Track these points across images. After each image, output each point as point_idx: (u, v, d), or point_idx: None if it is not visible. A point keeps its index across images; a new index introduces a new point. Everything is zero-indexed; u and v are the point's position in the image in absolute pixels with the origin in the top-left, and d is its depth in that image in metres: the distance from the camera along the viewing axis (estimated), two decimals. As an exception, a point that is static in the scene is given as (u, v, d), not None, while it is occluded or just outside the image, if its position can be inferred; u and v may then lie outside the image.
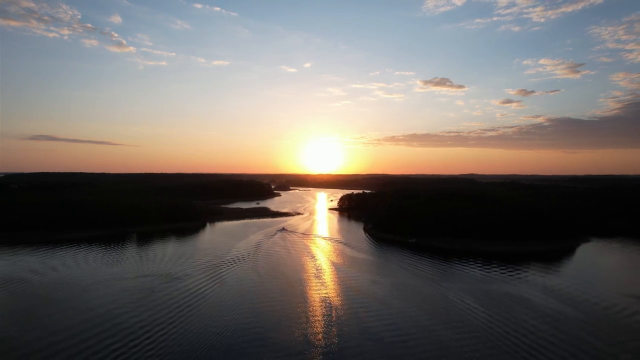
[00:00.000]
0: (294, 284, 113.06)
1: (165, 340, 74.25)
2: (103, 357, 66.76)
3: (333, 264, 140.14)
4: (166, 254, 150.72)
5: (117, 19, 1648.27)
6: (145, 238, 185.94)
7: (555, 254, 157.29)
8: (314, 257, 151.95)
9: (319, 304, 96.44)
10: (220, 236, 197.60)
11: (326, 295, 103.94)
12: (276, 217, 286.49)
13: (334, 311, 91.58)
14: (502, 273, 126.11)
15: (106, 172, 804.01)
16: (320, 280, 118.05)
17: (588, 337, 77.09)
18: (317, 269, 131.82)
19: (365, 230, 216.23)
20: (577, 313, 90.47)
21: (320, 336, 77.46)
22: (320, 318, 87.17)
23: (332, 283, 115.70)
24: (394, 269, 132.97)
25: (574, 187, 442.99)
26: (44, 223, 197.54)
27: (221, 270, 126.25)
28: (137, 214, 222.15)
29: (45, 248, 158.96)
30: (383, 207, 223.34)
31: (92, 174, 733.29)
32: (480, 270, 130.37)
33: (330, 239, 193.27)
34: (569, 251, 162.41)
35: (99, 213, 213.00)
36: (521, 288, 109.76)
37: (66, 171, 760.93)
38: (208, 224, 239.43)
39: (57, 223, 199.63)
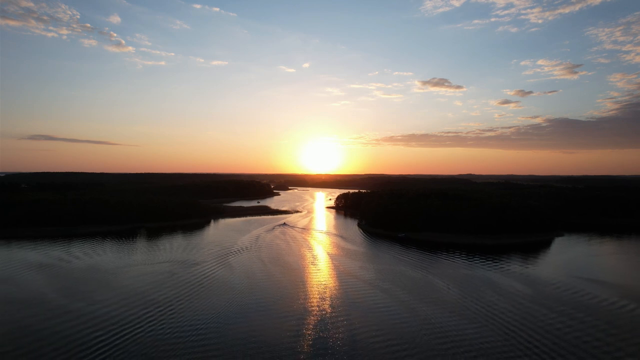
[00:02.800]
0: (293, 269, 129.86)
1: (185, 310, 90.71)
2: (140, 322, 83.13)
3: (328, 253, 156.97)
4: (179, 246, 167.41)
5: (116, 19, 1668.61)
6: (158, 232, 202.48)
7: (527, 246, 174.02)
8: (311, 248, 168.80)
9: (315, 284, 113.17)
10: (225, 231, 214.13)
11: (321, 277, 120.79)
12: (276, 214, 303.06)
13: (327, 289, 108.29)
14: (474, 260, 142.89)
15: (105, 171, 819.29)
16: (316, 266, 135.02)
17: (535, 307, 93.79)
18: (313, 258, 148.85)
19: (359, 226, 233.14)
20: (530, 290, 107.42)
21: (315, 307, 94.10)
22: (315, 294, 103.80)
23: (327, 268, 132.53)
24: (382, 257, 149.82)
25: (562, 187, 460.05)
26: (62, 219, 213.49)
27: (229, 258, 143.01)
28: (148, 212, 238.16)
29: (67, 241, 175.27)
30: (375, 205, 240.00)
31: (92, 173, 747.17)
32: (458, 258, 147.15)
33: (326, 233, 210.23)
34: (543, 243, 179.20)
35: (113, 210, 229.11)
36: (489, 272, 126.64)
37: (65, 171, 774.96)
38: (213, 221, 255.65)
39: (75, 219, 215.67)
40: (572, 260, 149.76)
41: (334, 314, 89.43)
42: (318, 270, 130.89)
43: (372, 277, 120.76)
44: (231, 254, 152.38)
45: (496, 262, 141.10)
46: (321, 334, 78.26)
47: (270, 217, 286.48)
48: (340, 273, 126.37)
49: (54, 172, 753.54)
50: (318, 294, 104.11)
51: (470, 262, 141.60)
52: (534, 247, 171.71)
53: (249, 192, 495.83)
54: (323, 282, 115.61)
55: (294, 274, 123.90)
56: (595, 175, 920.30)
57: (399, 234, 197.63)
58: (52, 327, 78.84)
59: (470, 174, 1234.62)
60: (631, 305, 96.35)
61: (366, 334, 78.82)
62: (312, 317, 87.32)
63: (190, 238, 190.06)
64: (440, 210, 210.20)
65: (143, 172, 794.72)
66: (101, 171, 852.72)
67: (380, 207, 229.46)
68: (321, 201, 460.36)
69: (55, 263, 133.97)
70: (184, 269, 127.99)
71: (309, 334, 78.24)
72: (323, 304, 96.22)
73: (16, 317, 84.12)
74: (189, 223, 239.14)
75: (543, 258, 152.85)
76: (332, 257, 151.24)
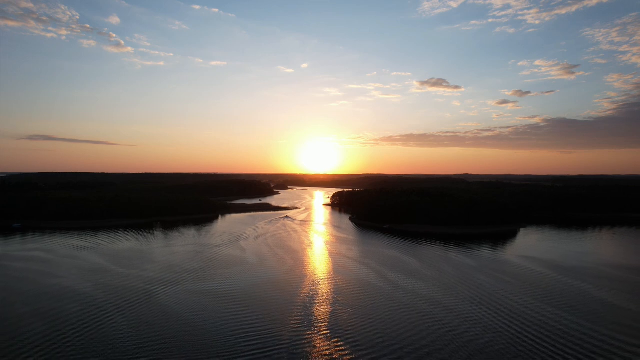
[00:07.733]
0: (293, 250, 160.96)
1: (210, 275, 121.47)
2: (178, 281, 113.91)
3: (322, 240, 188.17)
4: (197, 234, 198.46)
5: (115, 20, 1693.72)
6: (175, 225, 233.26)
7: (490, 234, 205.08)
8: (309, 236, 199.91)
9: (311, 260, 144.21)
10: (234, 224, 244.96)
11: (316, 255, 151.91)
12: (277, 210, 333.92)
13: (320, 263, 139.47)
14: (440, 245, 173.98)
15: (104, 172, 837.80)
16: (312, 249, 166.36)
17: (477, 275, 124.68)
18: (310, 242, 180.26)
19: (350, 219, 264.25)
20: (476, 264, 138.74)
21: (310, 273, 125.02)
22: (311, 266, 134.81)
23: (320, 250, 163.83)
24: (366, 242, 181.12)
25: (549, 186, 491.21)
26: (89, 214, 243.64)
27: (240, 242, 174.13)
28: (164, 208, 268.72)
29: (95, 231, 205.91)
30: (365, 201, 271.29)
31: (92, 174, 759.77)
32: (429, 243, 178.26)
33: (322, 225, 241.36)
34: (506, 233, 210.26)
35: (132, 206, 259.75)
36: (450, 252, 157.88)
37: (64, 171, 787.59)
38: (221, 216, 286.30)
39: (99, 214, 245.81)
40: (520, 244, 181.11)
41: (324, 277, 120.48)
42: (314, 251, 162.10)
43: (356, 256, 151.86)
44: (242, 239, 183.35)
45: (459, 246, 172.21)
46: (314, 287, 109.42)
47: (272, 212, 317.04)
48: (331, 253, 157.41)
49: (53, 172, 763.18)
50: (313, 266, 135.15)
51: (439, 246, 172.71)
52: (496, 236, 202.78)
53: (250, 191, 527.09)
54: (317, 259, 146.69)
55: (294, 254, 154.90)
56: (592, 175, 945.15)
57: (384, 226, 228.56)
58: (121, 284, 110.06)
59: (467, 174, 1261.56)
60: (548, 272, 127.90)
61: (346, 288, 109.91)
62: (308, 279, 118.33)
63: (204, 229, 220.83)
64: (421, 205, 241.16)
65: (142, 172, 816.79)
66: (101, 171, 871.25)
67: (369, 203, 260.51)
68: (319, 199, 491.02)
69: (96, 247, 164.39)
70: (206, 249, 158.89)
71: (306, 289, 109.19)
72: (316, 272, 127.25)
73: (96, 278, 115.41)
74: (200, 218, 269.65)
75: (499, 243, 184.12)
76: (325, 242, 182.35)
